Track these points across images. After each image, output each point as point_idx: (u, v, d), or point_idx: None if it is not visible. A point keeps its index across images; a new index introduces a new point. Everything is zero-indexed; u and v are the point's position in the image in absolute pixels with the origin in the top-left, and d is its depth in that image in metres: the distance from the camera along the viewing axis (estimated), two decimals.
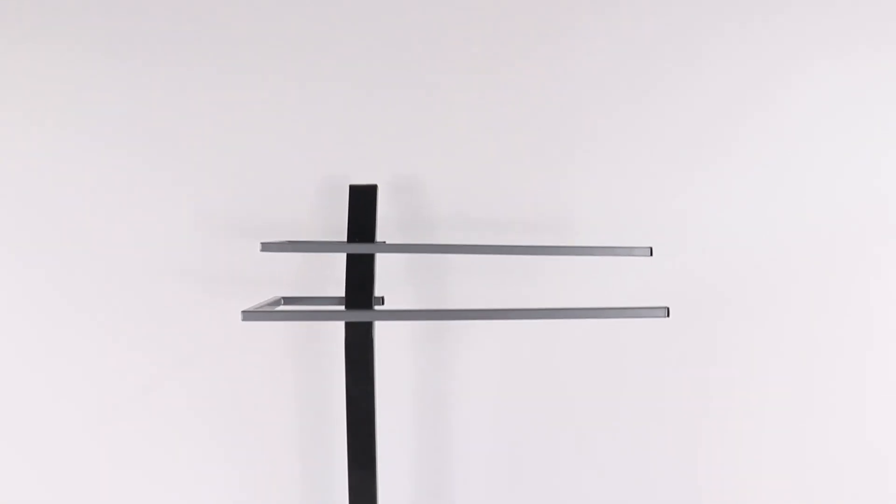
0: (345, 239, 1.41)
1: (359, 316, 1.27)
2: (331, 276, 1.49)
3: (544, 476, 1.54)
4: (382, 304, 1.45)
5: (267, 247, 1.30)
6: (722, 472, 1.55)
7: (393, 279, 1.50)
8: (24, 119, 1.49)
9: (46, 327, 1.52)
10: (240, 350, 1.52)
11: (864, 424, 1.55)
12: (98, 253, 1.51)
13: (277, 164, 1.50)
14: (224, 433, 1.53)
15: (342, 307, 1.36)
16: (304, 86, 1.50)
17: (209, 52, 1.50)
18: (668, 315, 1.24)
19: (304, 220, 1.51)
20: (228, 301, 1.50)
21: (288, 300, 1.42)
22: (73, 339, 1.52)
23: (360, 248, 1.33)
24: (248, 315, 1.25)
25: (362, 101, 1.50)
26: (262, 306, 1.30)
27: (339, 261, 1.42)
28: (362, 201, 1.39)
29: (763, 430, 1.55)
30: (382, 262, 1.47)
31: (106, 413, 1.52)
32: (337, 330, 1.40)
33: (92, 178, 1.50)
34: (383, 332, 1.46)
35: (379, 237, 1.44)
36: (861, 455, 1.55)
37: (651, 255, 1.32)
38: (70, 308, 1.52)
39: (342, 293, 1.38)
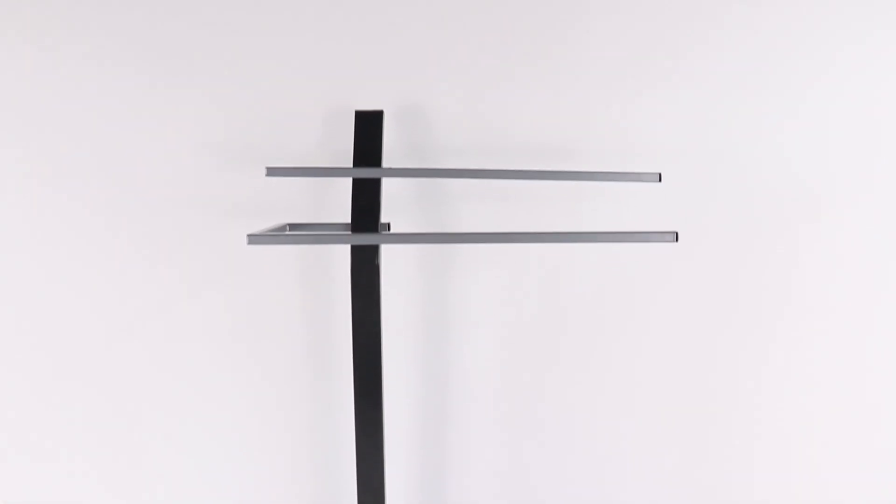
0: (351, 165, 1.40)
1: (365, 239, 1.26)
2: (337, 204, 1.48)
3: (551, 405, 1.55)
4: (389, 230, 1.44)
5: (273, 171, 1.30)
6: (734, 399, 1.55)
7: (399, 207, 1.49)
8: (22, 43, 1.47)
9: (50, 257, 1.52)
10: (247, 277, 1.52)
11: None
12: (100, 181, 1.50)
13: (282, 91, 1.48)
14: (229, 360, 1.54)
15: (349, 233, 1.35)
16: (308, 10, 1.47)
17: None
18: (677, 240, 1.23)
19: (310, 149, 1.49)
20: (234, 229, 1.49)
21: (294, 227, 1.42)
22: (78, 269, 1.52)
23: (366, 173, 1.32)
24: (254, 238, 1.25)
25: (368, 25, 1.48)
26: (267, 231, 1.30)
27: (346, 189, 1.40)
28: (368, 126, 1.38)
29: (773, 356, 1.54)
30: (388, 190, 1.46)
31: (111, 340, 1.53)
32: (344, 258, 1.39)
33: (93, 106, 1.48)
34: (390, 262, 1.46)
35: (385, 165, 1.43)
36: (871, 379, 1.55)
37: (660, 180, 1.31)
38: (73, 237, 1.51)
39: (348, 220, 1.37)
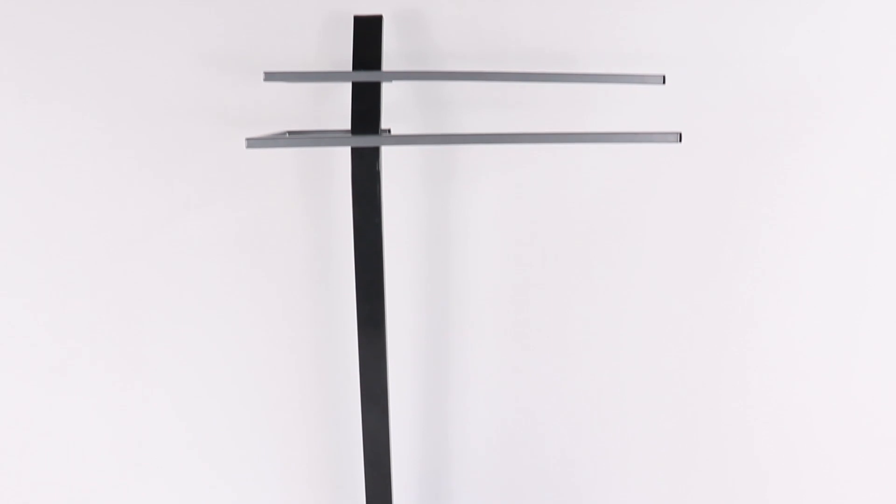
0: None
1: (365, 141, 1.26)
2: (338, 113, 1.47)
3: (553, 318, 1.56)
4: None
5: (270, 76, 1.29)
6: (740, 309, 1.56)
7: (399, 115, 1.48)
8: None
9: (49, 171, 1.52)
10: (249, 186, 1.52)
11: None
12: (97, 93, 1.49)
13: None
14: (234, 269, 1.55)
15: None
16: None
17: None
18: (680, 140, 1.23)
19: (308, 58, 1.47)
20: (234, 138, 1.49)
21: (293, 134, 1.41)
22: (78, 182, 1.52)
23: (365, 76, 1.31)
24: (253, 142, 1.25)
25: None
26: (267, 136, 1.30)
27: (346, 98, 1.39)
28: (367, 31, 1.36)
29: (784, 263, 1.54)
30: (388, 98, 1.45)
31: (115, 252, 1.54)
32: (346, 168, 1.39)
33: (88, 17, 1.47)
34: (391, 171, 1.46)
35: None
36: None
37: (664, 83, 1.29)
38: (71, 150, 1.51)
39: (349, 127, 1.37)
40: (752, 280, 1.55)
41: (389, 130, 1.43)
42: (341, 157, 1.46)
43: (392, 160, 1.47)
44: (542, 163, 1.51)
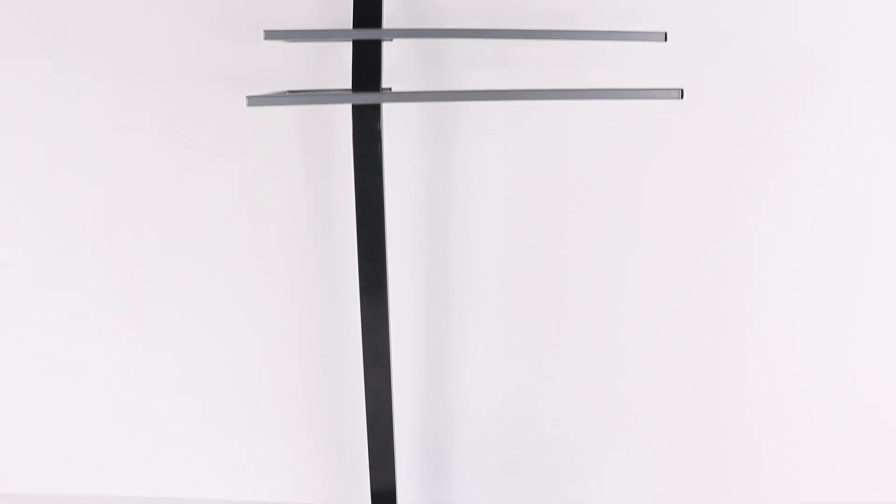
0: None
1: (365, 98, 1.25)
2: (338, 73, 1.47)
3: (555, 280, 1.57)
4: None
5: (270, 35, 1.29)
6: (741, 278, 1.56)
7: (400, 74, 1.48)
8: None
9: (52, 130, 1.54)
10: (250, 145, 1.54)
11: None
12: (100, 53, 1.51)
13: None
14: (235, 226, 1.57)
15: None
16: None
17: None
18: (682, 97, 1.23)
19: (309, 19, 1.49)
20: (236, 99, 1.49)
21: (294, 93, 1.41)
22: (80, 141, 1.54)
23: (366, 34, 1.31)
24: (254, 100, 1.25)
25: None
26: (267, 94, 1.30)
27: (347, 58, 1.39)
28: None
29: (784, 228, 1.55)
30: (389, 59, 1.44)
31: (118, 211, 1.56)
32: (347, 128, 1.39)
33: None
34: (392, 130, 1.47)
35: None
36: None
37: (665, 40, 1.29)
38: (74, 110, 1.53)
39: (349, 86, 1.37)
40: (752, 246, 1.55)
41: (390, 89, 1.43)
42: (342, 117, 1.46)
43: (393, 119, 1.47)
44: (543, 121, 1.51)
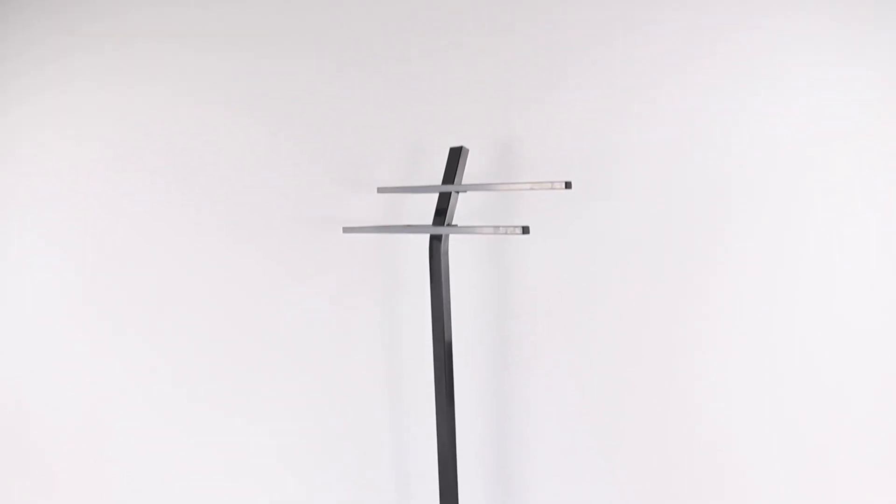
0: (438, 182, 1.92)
1: (438, 230, 1.76)
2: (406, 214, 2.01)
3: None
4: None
5: (383, 189, 1.85)
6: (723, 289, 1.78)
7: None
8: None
9: (184, 260, 2.16)
10: (338, 263, 2.06)
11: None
12: (240, 206, 2.13)
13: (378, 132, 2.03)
14: (325, 321, 2.10)
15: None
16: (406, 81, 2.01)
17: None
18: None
19: (400, 175, 2.01)
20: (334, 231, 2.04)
21: (378, 227, 1.95)
22: (207, 268, 2.13)
23: (450, 188, 1.81)
24: (348, 230, 1.80)
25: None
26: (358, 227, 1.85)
27: (414, 203, 1.93)
28: (455, 156, 1.88)
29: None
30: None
31: (235, 323, 2.13)
32: (407, 253, 1.98)
33: (231, 153, 2.12)
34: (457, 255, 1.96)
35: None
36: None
37: (569, 188, 1.72)
38: (208, 244, 2.13)
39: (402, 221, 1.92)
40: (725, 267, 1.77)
41: (456, 224, 1.92)
42: (405, 247, 1.99)
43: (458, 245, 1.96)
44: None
